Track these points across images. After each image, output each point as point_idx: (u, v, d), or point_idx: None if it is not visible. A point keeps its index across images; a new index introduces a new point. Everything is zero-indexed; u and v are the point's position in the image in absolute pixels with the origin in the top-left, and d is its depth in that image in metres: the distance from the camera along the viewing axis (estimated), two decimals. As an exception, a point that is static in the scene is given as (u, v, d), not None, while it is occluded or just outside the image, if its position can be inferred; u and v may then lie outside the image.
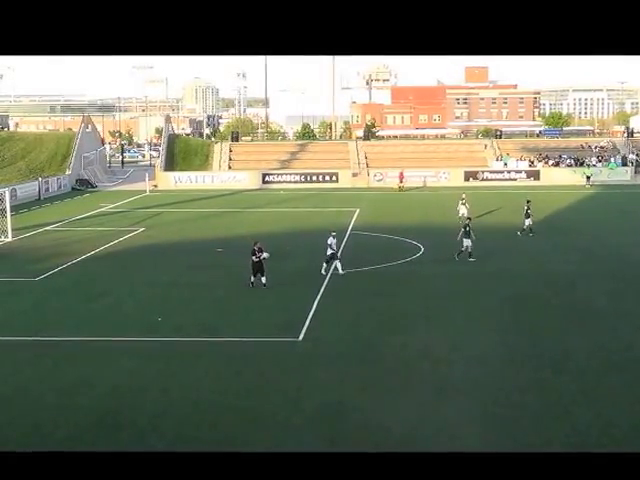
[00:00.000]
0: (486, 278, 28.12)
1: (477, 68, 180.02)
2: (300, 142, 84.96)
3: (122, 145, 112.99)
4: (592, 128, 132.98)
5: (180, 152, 75.01)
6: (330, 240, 28.52)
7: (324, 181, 66.17)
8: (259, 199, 57.21)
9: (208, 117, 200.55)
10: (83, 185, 67.14)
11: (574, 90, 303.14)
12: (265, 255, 26.25)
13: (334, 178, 66.37)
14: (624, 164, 68.52)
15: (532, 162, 68.53)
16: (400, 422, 14.90)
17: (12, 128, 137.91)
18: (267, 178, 66.96)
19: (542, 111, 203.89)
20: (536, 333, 20.89)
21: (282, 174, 67.64)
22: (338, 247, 30.17)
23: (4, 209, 39.26)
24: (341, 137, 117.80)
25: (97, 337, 21.14)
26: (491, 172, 67.18)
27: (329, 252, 28.43)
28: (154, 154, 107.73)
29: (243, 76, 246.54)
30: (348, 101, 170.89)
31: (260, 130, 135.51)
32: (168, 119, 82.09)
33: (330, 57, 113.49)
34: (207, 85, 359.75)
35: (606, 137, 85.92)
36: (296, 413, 15.60)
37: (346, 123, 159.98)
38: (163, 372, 18.18)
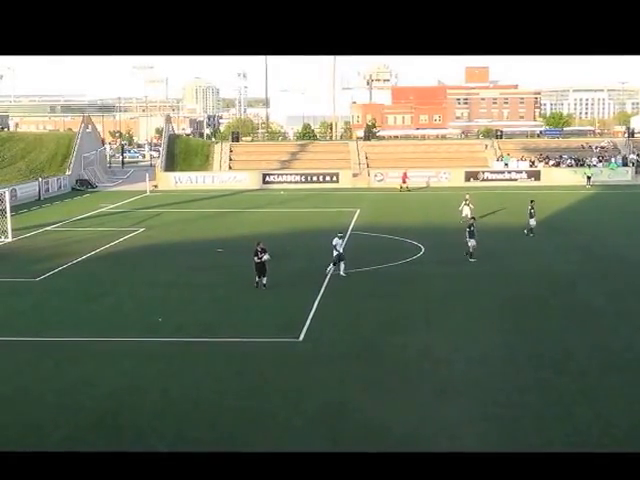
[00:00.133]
0: (487, 278, 28.13)
1: (478, 68, 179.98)
2: (300, 142, 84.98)
3: (122, 145, 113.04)
4: (593, 128, 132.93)
5: (180, 152, 75.02)
6: (335, 241, 28.40)
7: (324, 181, 66.17)
8: (259, 199, 57.21)
9: (208, 117, 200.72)
10: (83, 185, 67.16)
11: (575, 90, 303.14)
12: (266, 257, 26.22)
13: (334, 178, 66.37)
14: (625, 164, 68.50)
15: (533, 162, 68.52)
16: (400, 422, 14.90)
17: (12, 128, 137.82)
18: (267, 178, 66.96)
19: (543, 111, 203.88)
20: (536, 333, 20.89)
21: (282, 174, 67.64)
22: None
23: (4, 209, 39.27)
24: (342, 137, 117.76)
25: (97, 337, 21.14)
26: (492, 172, 67.18)
27: (335, 253, 28.31)
28: (154, 154, 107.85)
29: (243, 76, 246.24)
30: (349, 101, 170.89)
31: (260, 130, 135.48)
32: (168, 119, 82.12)
33: (331, 57, 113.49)
34: (207, 85, 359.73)
35: (607, 137, 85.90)
36: (296, 413, 15.59)
37: (347, 123, 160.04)
38: (163, 372, 18.18)
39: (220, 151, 74.59)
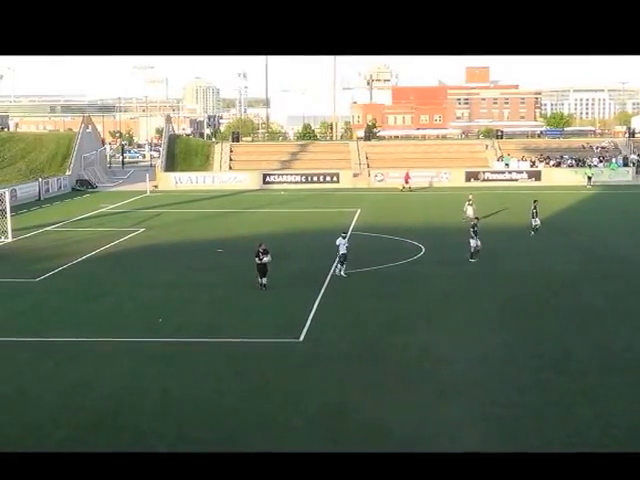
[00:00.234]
0: (487, 278, 28.13)
1: (478, 68, 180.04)
2: (301, 142, 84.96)
3: (122, 145, 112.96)
4: (593, 128, 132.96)
5: (181, 152, 75.01)
6: (339, 241, 28.42)
7: (325, 181, 66.15)
8: (260, 199, 57.20)
9: (209, 117, 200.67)
10: (83, 185, 67.14)
11: (575, 90, 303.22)
12: (267, 259, 26.20)
13: (335, 178, 66.35)
14: (625, 164, 68.46)
15: (533, 162, 68.48)
16: (401, 422, 14.89)
17: (12, 128, 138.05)
18: (268, 178, 66.93)
19: (543, 111, 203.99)
20: (537, 333, 20.89)
21: (283, 174, 67.61)
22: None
23: (4, 209, 39.27)
24: (342, 137, 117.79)
25: (97, 338, 21.14)
26: (492, 172, 67.15)
27: (340, 253, 28.31)
28: (154, 154, 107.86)
29: (244, 76, 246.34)
30: (349, 101, 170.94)
31: (261, 130, 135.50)
32: (169, 119, 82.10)
33: (331, 57, 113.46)
34: (208, 85, 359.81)
35: (607, 137, 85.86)
36: (296, 413, 15.59)
37: (347, 123, 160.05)
38: (163, 372, 18.18)
39: (220, 151, 74.58)
